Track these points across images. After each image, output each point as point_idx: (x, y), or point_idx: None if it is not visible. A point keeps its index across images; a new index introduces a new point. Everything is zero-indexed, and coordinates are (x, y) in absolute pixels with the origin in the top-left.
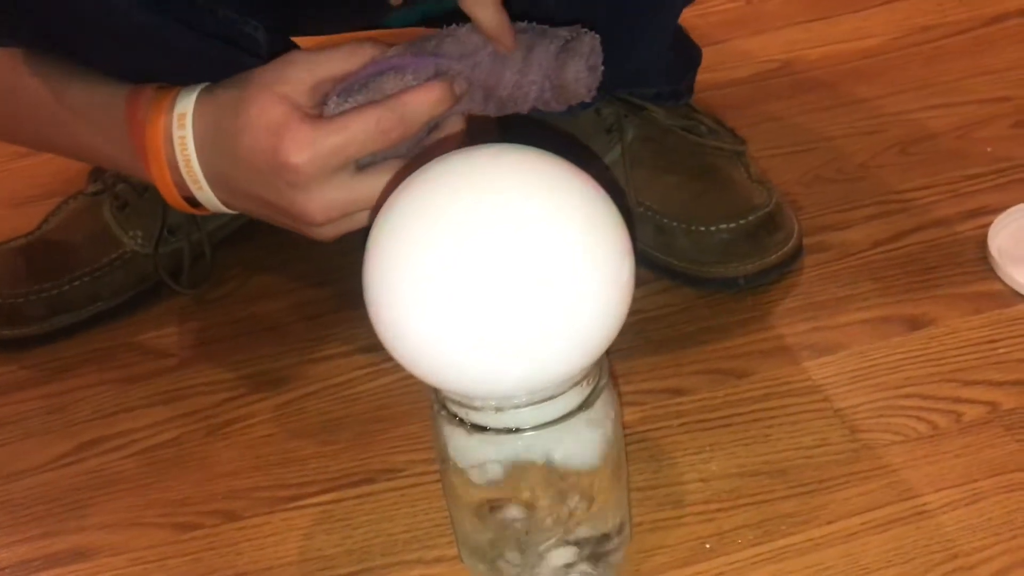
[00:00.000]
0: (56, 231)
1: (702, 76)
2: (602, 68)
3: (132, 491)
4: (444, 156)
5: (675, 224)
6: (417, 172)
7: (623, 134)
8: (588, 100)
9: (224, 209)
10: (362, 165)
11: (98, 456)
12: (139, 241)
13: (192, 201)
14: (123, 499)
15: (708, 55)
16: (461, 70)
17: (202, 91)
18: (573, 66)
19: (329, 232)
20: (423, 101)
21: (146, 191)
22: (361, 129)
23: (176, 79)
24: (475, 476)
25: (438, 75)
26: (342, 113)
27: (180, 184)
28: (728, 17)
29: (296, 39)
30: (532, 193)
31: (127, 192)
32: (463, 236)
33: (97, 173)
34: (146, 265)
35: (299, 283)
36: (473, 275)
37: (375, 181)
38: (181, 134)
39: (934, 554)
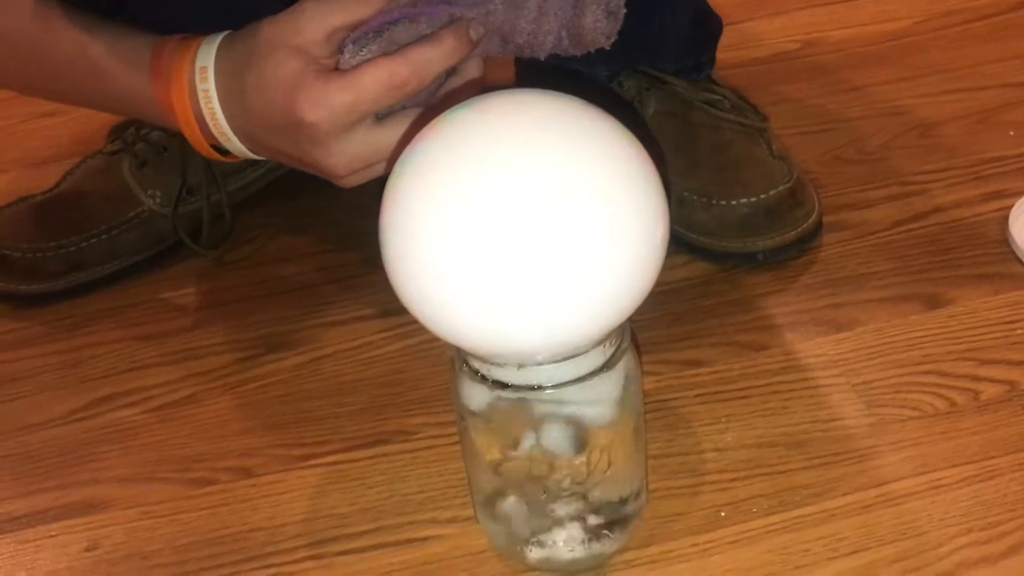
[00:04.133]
0: (74, 189)
1: (723, 55)
2: (624, 12)
3: (146, 446)
4: (462, 104)
5: (695, 198)
6: (432, 123)
7: (644, 107)
8: (607, 47)
9: (254, 157)
10: (381, 115)
11: (112, 411)
12: (158, 200)
13: (221, 150)
14: (137, 454)
15: (729, 35)
16: (475, 18)
17: (222, 42)
18: (591, 13)
19: (353, 181)
20: (437, 52)
21: (165, 150)
22: (374, 84)
23: (198, 25)
24: (494, 432)
25: (452, 22)
26: (355, 68)
27: (208, 135)
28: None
29: None
30: (560, 142)
31: (146, 151)
32: (484, 191)
33: (117, 132)
34: (164, 225)
35: (319, 246)
36: (495, 232)
37: (394, 131)
38: (204, 87)
39: (949, 528)
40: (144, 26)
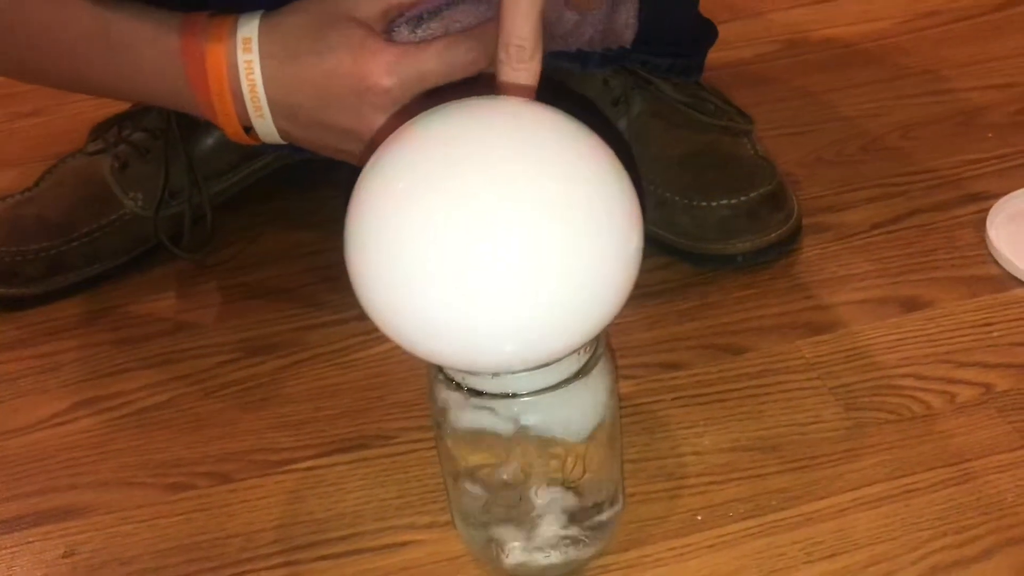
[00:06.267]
0: (54, 190)
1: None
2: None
3: (125, 451)
4: (428, 112)
5: (676, 199)
6: (398, 132)
7: (630, 107)
8: (628, 46)
9: (278, 140)
10: None
11: (92, 416)
12: (139, 203)
13: (247, 130)
14: (116, 459)
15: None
16: None
17: (264, 15)
18: (624, 13)
19: None
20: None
21: (148, 152)
22: (450, 57)
23: (228, 4)
24: (470, 440)
25: None
26: (429, 40)
27: (241, 113)
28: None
29: None
30: (531, 150)
31: (128, 153)
32: (452, 200)
33: (98, 132)
34: (145, 227)
35: (300, 250)
36: (465, 243)
37: None
38: (248, 58)
39: (923, 532)
40: (166, 3)
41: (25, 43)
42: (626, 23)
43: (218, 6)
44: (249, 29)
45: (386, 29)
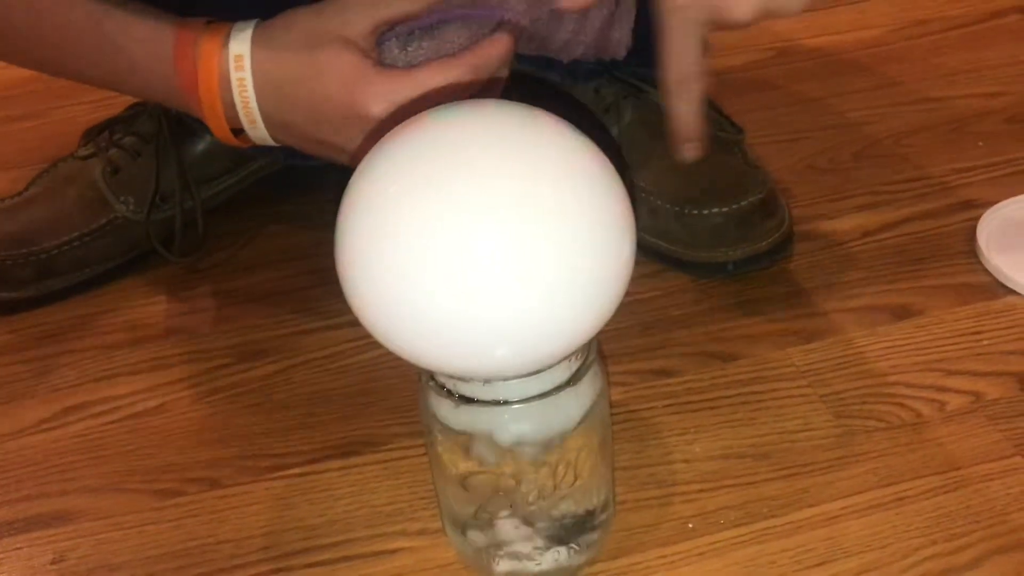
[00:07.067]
0: (45, 194)
1: None
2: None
3: (115, 457)
4: (421, 115)
5: (667, 207)
6: (390, 137)
7: (620, 115)
8: (621, 58)
9: (271, 143)
10: None
11: (82, 421)
12: (131, 207)
13: (237, 132)
14: (105, 464)
15: None
16: (525, 25)
17: (256, 30)
18: (619, 29)
19: None
20: (496, 56)
21: (139, 156)
22: (441, 82)
23: (225, 11)
24: (461, 447)
25: (500, 26)
26: (420, 66)
27: (233, 119)
28: None
29: None
30: (525, 157)
31: (119, 157)
32: (445, 206)
33: (89, 135)
34: (137, 232)
35: (291, 255)
36: (458, 250)
37: None
38: (240, 76)
39: (913, 539)
40: (162, 4)
41: (17, 31)
42: (620, 40)
43: (209, 8)
44: (241, 45)
45: (374, 46)
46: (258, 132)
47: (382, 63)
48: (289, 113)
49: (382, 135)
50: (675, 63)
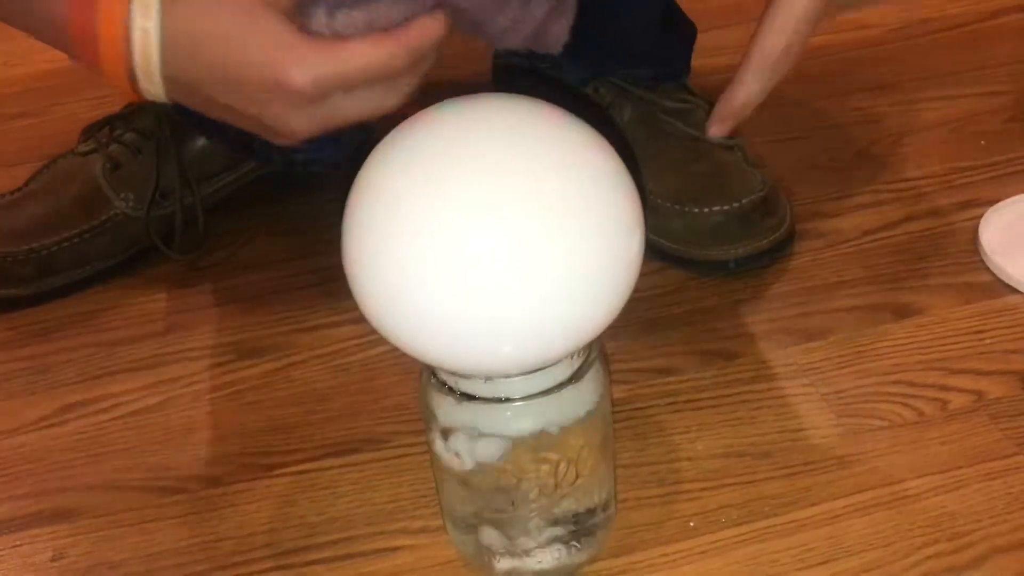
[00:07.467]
0: (44, 190)
1: (698, 62)
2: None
3: (115, 454)
4: (430, 108)
5: (668, 205)
6: (398, 129)
7: (620, 113)
8: (556, 54)
9: (163, 100)
10: None
11: (82, 418)
12: (131, 204)
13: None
14: (106, 461)
15: (705, 40)
16: (465, 8)
17: None
18: (559, 23)
19: (301, 141)
20: (432, 38)
21: (139, 153)
22: (369, 62)
23: None
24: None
25: (438, 6)
26: (351, 40)
27: (130, 72)
28: (726, 3)
29: None
30: (533, 150)
31: (120, 153)
32: (452, 201)
33: (89, 132)
34: (137, 229)
35: (292, 252)
36: (464, 244)
37: (360, 103)
38: (145, 26)
39: (915, 538)
40: None
41: None
42: (558, 35)
43: None
44: None
45: (296, 11)
46: (154, 89)
47: (307, 30)
48: (196, 73)
49: (306, 112)
50: (774, 40)
